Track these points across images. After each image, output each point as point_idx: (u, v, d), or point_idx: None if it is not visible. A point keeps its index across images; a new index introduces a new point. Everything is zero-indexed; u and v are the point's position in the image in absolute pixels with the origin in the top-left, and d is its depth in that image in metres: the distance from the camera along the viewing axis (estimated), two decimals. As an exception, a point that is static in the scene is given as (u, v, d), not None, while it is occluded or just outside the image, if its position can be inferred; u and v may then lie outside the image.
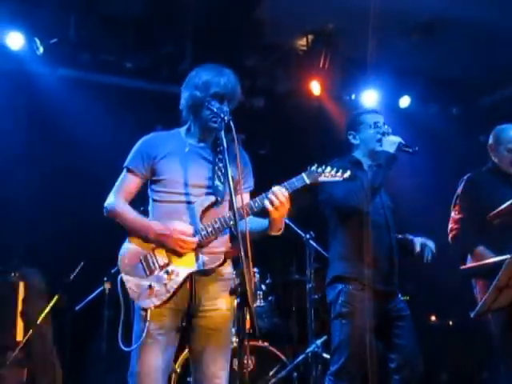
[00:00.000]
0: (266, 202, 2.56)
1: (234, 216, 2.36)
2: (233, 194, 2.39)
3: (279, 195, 2.55)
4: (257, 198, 2.62)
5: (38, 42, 4.87)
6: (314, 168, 2.66)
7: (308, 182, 2.64)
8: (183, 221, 2.63)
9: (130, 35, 5.09)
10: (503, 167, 3.71)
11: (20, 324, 4.48)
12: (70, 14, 4.94)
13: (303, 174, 2.65)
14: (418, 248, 3.42)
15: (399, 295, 3.39)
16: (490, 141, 3.80)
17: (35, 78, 5.06)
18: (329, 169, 2.67)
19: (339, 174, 2.68)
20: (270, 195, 2.56)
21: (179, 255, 2.61)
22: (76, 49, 5.04)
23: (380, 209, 3.36)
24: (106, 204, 2.73)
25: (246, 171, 2.79)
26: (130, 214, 2.68)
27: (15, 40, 4.82)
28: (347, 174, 2.69)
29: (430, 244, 3.46)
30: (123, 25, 5.05)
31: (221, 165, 2.67)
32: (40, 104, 5.05)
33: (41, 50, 4.90)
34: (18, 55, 4.90)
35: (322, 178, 2.66)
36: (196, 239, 2.58)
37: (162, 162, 2.71)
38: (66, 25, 4.94)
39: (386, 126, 3.44)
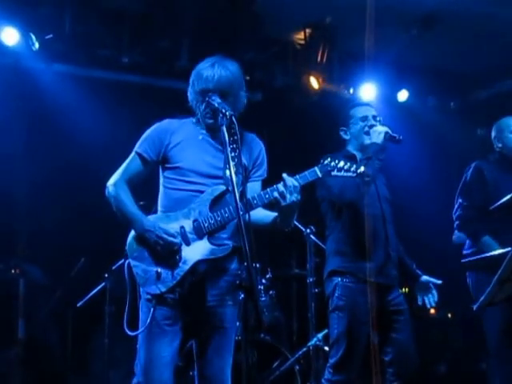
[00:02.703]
0: (275, 193, 2.55)
1: (237, 209, 2.33)
2: (235, 190, 2.36)
3: (289, 186, 2.53)
4: (268, 189, 2.61)
5: (33, 37, 4.82)
6: (327, 162, 2.65)
7: (320, 175, 2.63)
8: (192, 208, 2.63)
9: (126, 30, 5.04)
10: (510, 153, 3.75)
11: (21, 321, 4.49)
12: (65, 10, 4.88)
13: (316, 168, 2.63)
14: (419, 301, 3.52)
15: (398, 288, 3.41)
16: (493, 133, 3.86)
17: (31, 73, 5.01)
18: (342, 163, 2.66)
19: (353, 168, 2.67)
20: (280, 186, 2.55)
21: (188, 243, 2.61)
22: (72, 44, 4.96)
23: (376, 201, 3.37)
24: (107, 183, 2.71)
25: (259, 160, 2.79)
26: (126, 198, 2.65)
27: (10, 36, 4.75)
28: (361, 169, 2.68)
29: (434, 292, 3.51)
30: (119, 20, 5.00)
31: (233, 154, 2.61)
32: (36, 100, 5.02)
33: (36, 45, 4.84)
34: (13, 51, 4.83)
35: (335, 173, 2.65)
36: (176, 240, 2.58)
37: (175, 149, 2.70)
38: (62, 20, 4.88)
39: (378, 118, 3.45)
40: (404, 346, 3.28)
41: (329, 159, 2.66)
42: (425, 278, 3.49)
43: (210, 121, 2.67)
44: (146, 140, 2.74)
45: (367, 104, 3.62)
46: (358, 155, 3.44)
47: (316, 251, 4.34)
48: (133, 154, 2.74)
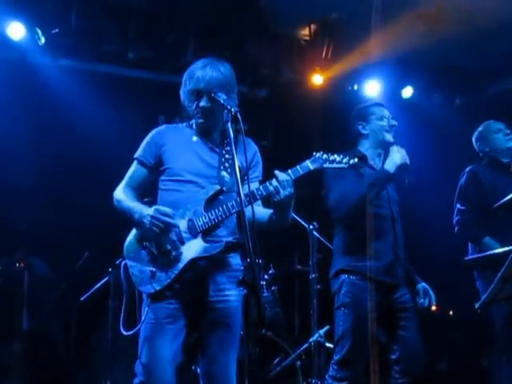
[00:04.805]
0: (270, 188, 2.57)
1: (241, 204, 2.35)
2: (239, 183, 2.38)
3: (282, 181, 2.55)
4: (260, 186, 2.64)
5: (39, 32, 4.84)
6: (319, 155, 2.67)
7: (312, 168, 2.65)
8: (187, 209, 2.65)
9: (132, 25, 5.07)
10: (499, 154, 3.80)
11: (26, 314, 4.51)
12: (71, 4, 4.91)
13: (307, 161, 2.66)
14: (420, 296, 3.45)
15: (405, 286, 3.40)
16: (477, 141, 3.94)
17: (37, 68, 5.04)
18: (335, 156, 2.69)
19: (345, 160, 2.69)
20: (273, 181, 2.58)
21: (182, 242, 2.63)
22: (78, 39, 5.00)
23: (385, 202, 3.38)
24: (114, 193, 2.77)
25: (254, 162, 2.82)
26: (127, 198, 2.71)
27: (16, 30, 4.78)
28: (353, 160, 2.70)
29: (431, 293, 3.49)
30: (125, 15, 5.03)
31: (228, 156, 2.69)
32: (41, 94, 5.03)
33: (42, 40, 4.87)
34: (19, 45, 4.86)
35: (327, 165, 2.67)
36: (172, 221, 2.58)
37: (168, 152, 2.74)
38: (68, 15, 4.91)
39: (393, 120, 3.50)
40: (411, 343, 3.28)
41: (321, 152, 2.68)
42: (421, 285, 3.47)
43: (201, 120, 2.72)
44: (143, 146, 2.80)
45: (384, 105, 3.62)
46: (371, 153, 3.46)
47: (319, 247, 4.35)
48: (134, 162, 2.80)
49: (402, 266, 3.38)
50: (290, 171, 2.61)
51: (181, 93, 2.77)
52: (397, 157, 3.31)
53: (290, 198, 2.58)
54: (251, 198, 2.56)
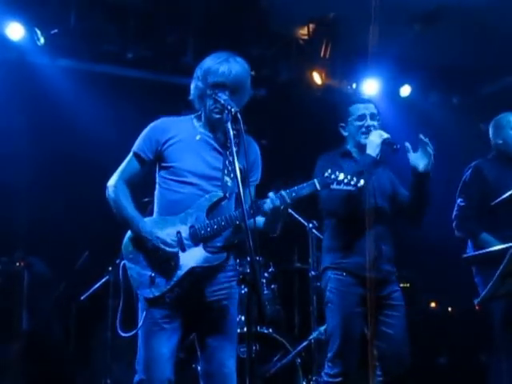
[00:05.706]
0: (270, 206, 2.57)
1: (243, 209, 2.36)
2: (241, 188, 2.37)
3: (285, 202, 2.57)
4: (267, 200, 2.61)
5: (38, 32, 4.84)
6: (327, 174, 2.65)
7: (319, 188, 2.65)
8: (189, 214, 2.64)
9: (131, 25, 5.07)
10: (509, 149, 3.77)
11: (25, 313, 4.52)
12: (70, 5, 4.90)
13: (315, 181, 2.65)
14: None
15: (396, 284, 3.39)
16: (492, 129, 3.88)
17: (36, 68, 5.04)
18: (342, 176, 2.66)
19: (353, 182, 2.67)
20: (278, 200, 2.57)
21: (183, 250, 2.63)
22: (77, 39, 4.99)
23: (371, 197, 3.34)
24: (107, 184, 2.73)
25: (255, 164, 2.80)
26: (123, 201, 2.67)
27: (15, 31, 4.77)
28: (361, 182, 2.68)
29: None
30: (125, 15, 5.03)
31: (231, 159, 2.66)
32: (41, 95, 5.04)
33: (42, 40, 4.86)
34: (18, 46, 4.86)
35: (334, 186, 2.66)
36: (174, 250, 2.60)
37: (171, 148, 2.70)
38: (67, 15, 4.90)
39: (377, 118, 3.40)
40: (394, 342, 3.25)
41: (329, 171, 2.65)
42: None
43: (217, 116, 2.65)
44: (143, 139, 2.74)
45: (367, 101, 3.54)
46: (355, 152, 3.45)
47: (318, 245, 4.37)
48: (130, 154, 2.75)
49: (387, 261, 3.36)
50: (296, 188, 2.61)
51: (192, 88, 2.72)
52: (375, 138, 3.25)
53: (283, 216, 2.62)
54: (255, 210, 2.55)
